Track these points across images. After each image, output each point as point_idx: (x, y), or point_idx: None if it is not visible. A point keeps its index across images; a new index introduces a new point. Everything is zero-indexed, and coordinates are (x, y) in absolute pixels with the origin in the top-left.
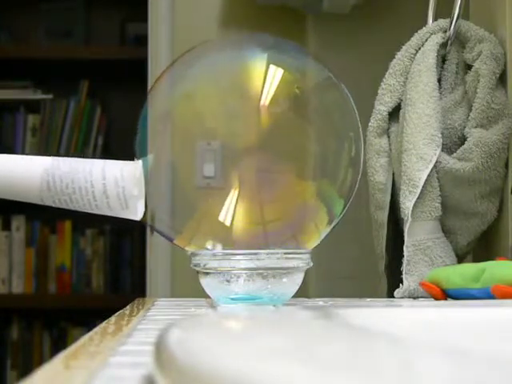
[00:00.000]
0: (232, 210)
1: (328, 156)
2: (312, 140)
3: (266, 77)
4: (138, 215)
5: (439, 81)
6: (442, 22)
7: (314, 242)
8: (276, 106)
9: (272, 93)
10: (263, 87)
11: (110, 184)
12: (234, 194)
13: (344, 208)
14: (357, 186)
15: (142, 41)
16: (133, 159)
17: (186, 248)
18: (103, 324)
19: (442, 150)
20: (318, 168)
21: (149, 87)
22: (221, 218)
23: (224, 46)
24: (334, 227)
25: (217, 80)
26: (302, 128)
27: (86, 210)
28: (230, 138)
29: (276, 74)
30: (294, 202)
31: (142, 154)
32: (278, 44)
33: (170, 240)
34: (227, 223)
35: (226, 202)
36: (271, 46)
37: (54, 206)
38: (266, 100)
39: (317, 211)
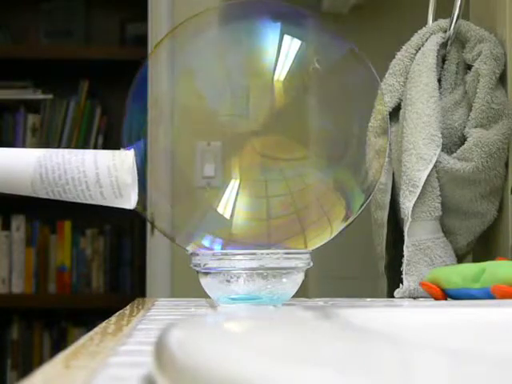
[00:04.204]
0: (234, 204)
1: (351, 143)
2: (332, 124)
3: (280, 50)
4: (131, 204)
5: (439, 81)
6: (442, 22)
7: (325, 239)
8: (291, 83)
9: (286, 68)
10: (276, 62)
11: (102, 173)
12: (237, 186)
13: (364, 203)
14: (380, 178)
15: (142, 41)
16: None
17: (187, 248)
18: (103, 324)
19: (442, 150)
20: (338, 156)
21: (149, 87)
22: (225, 214)
23: (230, 15)
24: (349, 224)
25: (222, 55)
26: (320, 109)
27: (79, 201)
28: (236, 120)
29: (292, 46)
30: (307, 194)
31: (134, 141)
32: (291, 13)
33: (172, 240)
34: (230, 219)
35: (228, 196)
36: (283, 15)
37: (47, 197)
38: (279, 76)
39: (333, 205)
